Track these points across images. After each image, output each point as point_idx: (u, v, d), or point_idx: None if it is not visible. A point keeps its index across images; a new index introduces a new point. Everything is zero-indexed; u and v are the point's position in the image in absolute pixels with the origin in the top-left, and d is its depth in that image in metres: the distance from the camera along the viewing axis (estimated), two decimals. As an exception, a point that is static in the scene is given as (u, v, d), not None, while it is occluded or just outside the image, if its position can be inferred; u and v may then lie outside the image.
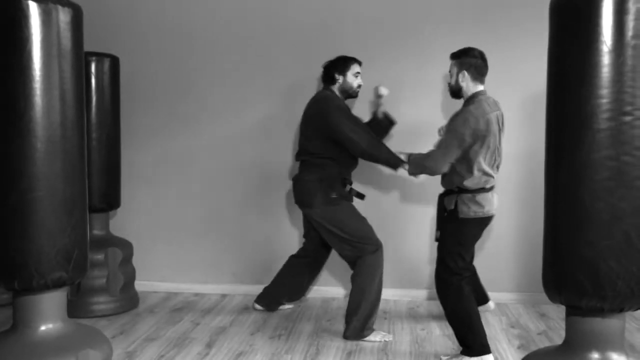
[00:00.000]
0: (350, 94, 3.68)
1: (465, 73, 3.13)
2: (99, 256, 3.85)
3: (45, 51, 2.14)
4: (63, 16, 2.20)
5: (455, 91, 3.22)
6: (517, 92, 4.18)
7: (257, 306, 3.98)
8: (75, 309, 3.76)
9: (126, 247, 4.06)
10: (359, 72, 3.68)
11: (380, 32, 4.28)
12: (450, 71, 3.23)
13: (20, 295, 2.23)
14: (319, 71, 3.97)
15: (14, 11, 2.10)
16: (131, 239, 4.33)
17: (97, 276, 3.84)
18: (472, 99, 3.11)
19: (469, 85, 3.14)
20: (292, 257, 3.95)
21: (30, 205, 2.12)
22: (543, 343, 3.38)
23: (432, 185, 4.31)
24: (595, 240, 1.89)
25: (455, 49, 4.27)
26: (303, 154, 3.66)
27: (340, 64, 3.65)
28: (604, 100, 1.86)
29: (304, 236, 3.91)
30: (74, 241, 2.23)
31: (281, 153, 4.40)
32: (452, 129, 3.06)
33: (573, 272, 1.93)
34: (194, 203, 4.52)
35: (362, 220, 3.56)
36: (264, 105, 4.41)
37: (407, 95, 4.26)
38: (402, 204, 4.34)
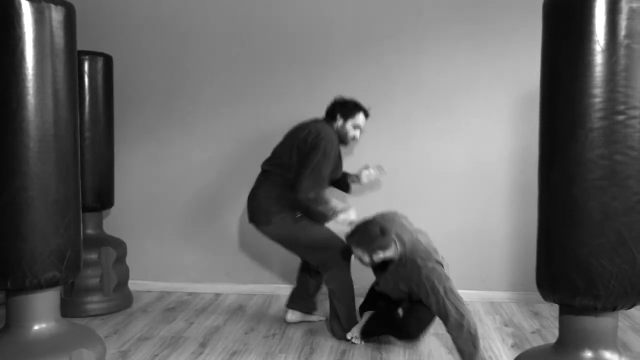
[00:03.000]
0: (341, 140, 3.50)
1: (380, 253, 3.02)
2: (93, 255, 3.84)
3: (38, 50, 2.14)
4: (56, 15, 2.20)
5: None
6: (510, 90, 4.19)
7: (291, 315, 3.71)
8: (69, 308, 3.75)
9: (120, 247, 4.05)
10: (359, 125, 3.51)
11: (373, 31, 4.28)
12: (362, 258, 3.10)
13: (14, 295, 2.22)
14: (311, 70, 3.98)
15: (7, 9, 2.09)
16: (125, 238, 4.32)
17: (90, 275, 3.83)
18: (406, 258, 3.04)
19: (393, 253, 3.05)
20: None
21: (23, 205, 2.11)
22: (537, 342, 3.39)
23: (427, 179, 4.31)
24: (588, 239, 1.90)
25: (448, 47, 4.29)
26: (272, 164, 3.48)
27: (347, 108, 3.50)
28: (597, 100, 1.87)
29: None
30: (67, 240, 2.23)
31: (275, 152, 4.40)
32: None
33: (566, 271, 1.94)
34: (187, 202, 4.51)
35: (327, 229, 3.47)
36: (257, 105, 4.41)
37: (399, 94, 4.27)
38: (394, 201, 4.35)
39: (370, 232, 2.98)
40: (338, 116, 3.49)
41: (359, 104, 3.54)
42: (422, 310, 3.08)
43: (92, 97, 3.87)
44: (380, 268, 3.19)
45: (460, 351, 2.84)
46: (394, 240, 2.99)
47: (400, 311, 3.23)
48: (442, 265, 3.05)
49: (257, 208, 3.43)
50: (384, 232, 2.96)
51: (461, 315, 2.82)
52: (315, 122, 3.49)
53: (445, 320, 2.85)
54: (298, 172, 3.30)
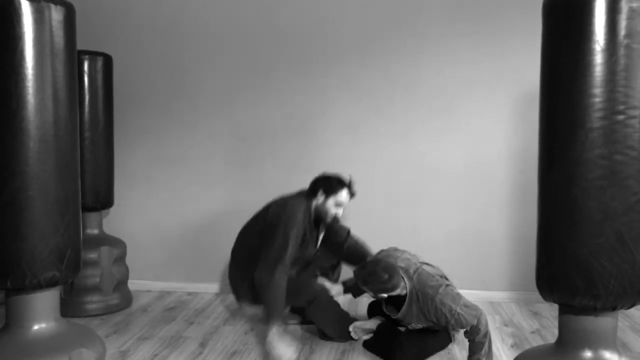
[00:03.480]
0: (321, 217, 3.35)
1: (391, 292, 2.97)
2: (93, 255, 3.84)
3: (37, 50, 2.13)
4: (56, 14, 2.19)
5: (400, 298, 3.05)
6: (510, 90, 4.19)
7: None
8: (69, 308, 3.75)
9: (119, 246, 4.05)
10: (342, 203, 3.33)
11: (373, 30, 4.28)
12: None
13: (13, 295, 2.22)
14: (311, 70, 3.97)
15: (6, 9, 2.09)
16: (124, 238, 4.32)
17: (90, 275, 3.83)
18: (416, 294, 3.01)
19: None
20: None
21: (22, 205, 2.11)
22: (536, 341, 3.40)
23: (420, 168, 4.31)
24: (587, 239, 1.90)
25: (447, 47, 4.29)
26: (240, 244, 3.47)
27: (329, 184, 3.33)
28: (597, 100, 1.87)
29: None
30: (67, 240, 2.23)
31: (275, 153, 4.40)
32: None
33: (566, 271, 1.94)
34: (187, 202, 4.51)
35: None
36: (256, 105, 4.41)
37: (399, 93, 4.27)
38: (393, 200, 4.35)
39: (378, 277, 2.91)
40: (319, 192, 3.33)
41: (343, 180, 3.37)
42: (422, 341, 3.11)
43: (91, 97, 3.87)
44: (391, 301, 3.14)
45: (470, 351, 2.91)
46: (402, 279, 2.98)
47: (402, 338, 3.14)
48: (451, 285, 3.06)
49: (232, 288, 3.49)
50: (391, 274, 2.92)
51: (479, 322, 2.87)
52: (288, 197, 3.38)
53: (465, 328, 2.90)
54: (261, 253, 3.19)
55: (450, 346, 3.27)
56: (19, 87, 2.10)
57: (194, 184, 4.50)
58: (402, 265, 3.06)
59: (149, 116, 4.50)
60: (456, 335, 3.32)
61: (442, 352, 3.20)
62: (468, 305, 2.91)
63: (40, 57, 2.14)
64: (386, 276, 2.91)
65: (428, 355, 3.14)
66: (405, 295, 3.00)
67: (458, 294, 2.97)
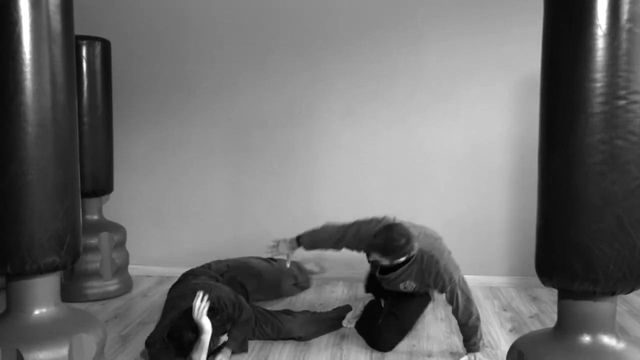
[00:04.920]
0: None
1: (402, 258, 2.93)
2: (93, 241, 3.84)
3: (35, 34, 2.11)
4: (53, -2, 2.17)
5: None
6: (511, 75, 4.17)
7: None
8: (69, 293, 3.76)
9: (119, 232, 4.05)
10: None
11: (373, 14, 4.25)
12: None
13: (13, 280, 2.22)
14: (311, 56, 3.93)
15: (3, -7, 2.07)
16: (124, 223, 4.32)
17: (90, 261, 3.85)
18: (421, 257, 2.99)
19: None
20: None
21: (21, 190, 2.10)
22: (535, 326, 3.41)
23: (419, 160, 4.31)
24: (587, 225, 1.90)
25: (448, 32, 4.27)
26: None
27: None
28: (598, 84, 1.85)
29: None
30: (66, 226, 2.22)
31: (274, 139, 4.39)
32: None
33: (565, 256, 1.94)
34: (186, 187, 4.51)
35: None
36: (256, 91, 4.39)
37: (399, 78, 4.25)
38: (394, 185, 4.35)
39: (396, 242, 2.85)
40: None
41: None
42: (399, 323, 3.13)
43: (90, 82, 3.85)
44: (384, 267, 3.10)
45: (465, 335, 2.91)
46: (415, 244, 2.95)
47: (381, 325, 3.14)
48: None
49: None
50: (408, 237, 2.87)
51: (471, 303, 2.88)
52: None
53: (456, 307, 2.89)
54: None
55: (449, 334, 3.28)
56: (17, 72, 2.09)
57: (193, 169, 4.49)
58: (411, 230, 2.99)
59: (149, 101, 4.49)
60: (435, 295, 3.33)
61: (441, 339, 3.22)
62: (466, 283, 2.92)
63: (38, 41, 2.12)
64: (404, 240, 2.86)
65: (408, 331, 3.17)
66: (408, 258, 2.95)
67: (458, 266, 2.98)
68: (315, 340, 3.18)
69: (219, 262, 3.55)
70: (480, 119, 4.22)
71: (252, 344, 3.09)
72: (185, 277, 3.34)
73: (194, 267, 3.52)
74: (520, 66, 4.13)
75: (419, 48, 4.23)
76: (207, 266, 3.49)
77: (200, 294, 2.73)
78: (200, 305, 2.69)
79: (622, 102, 1.85)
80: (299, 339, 3.15)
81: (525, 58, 4.04)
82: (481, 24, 4.17)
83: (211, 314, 2.73)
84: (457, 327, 3.35)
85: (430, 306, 3.39)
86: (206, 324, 2.68)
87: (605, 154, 1.87)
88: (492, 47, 4.18)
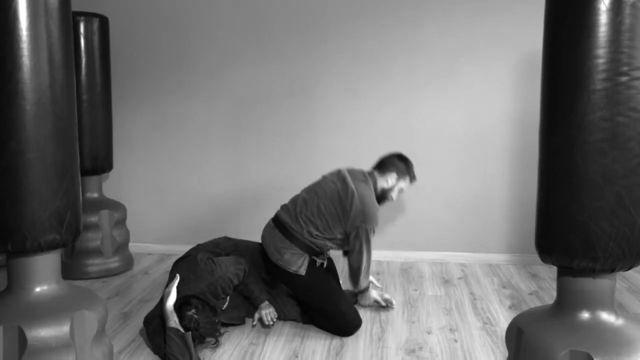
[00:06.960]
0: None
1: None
2: (93, 219, 3.85)
3: (31, 11, 2.09)
4: (49, -26, 2.14)
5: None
6: (512, 52, 4.14)
7: None
8: (70, 270, 3.78)
9: (120, 210, 4.06)
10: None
11: (375, -9, 4.21)
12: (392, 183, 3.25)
13: (14, 257, 2.23)
14: (311, 38, 3.88)
15: (-2, -32, 2.04)
16: (124, 201, 4.33)
17: (91, 238, 3.86)
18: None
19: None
20: None
21: (20, 169, 2.10)
22: (534, 303, 3.43)
23: (421, 150, 4.30)
24: (587, 202, 1.89)
25: (449, 9, 4.22)
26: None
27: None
28: (601, 61, 1.83)
29: None
30: (66, 204, 2.22)
31: (275, 118, 4.37)
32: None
33: (565, 233, 1.94)
34: (186, 165, 4.51)
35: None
36: (256, 69, 4.36)
37: (399, 55, 4.22)
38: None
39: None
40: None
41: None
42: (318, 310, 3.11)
43: (88, 59, 3.82)
44: None
45: (353, 278, 3.21)
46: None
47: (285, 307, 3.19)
48: None
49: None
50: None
51: (364, 255, 3.12)
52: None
53: (352, 249, 3.12)
54: None
55: (449, 311, 3.30)
56: (14, 50, 2.07)
57: (193, 147, 4.48)
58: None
59: (148, 80, 4.46)
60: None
61: (440, 315, 3.24)
62: (371, 239, 3.14)
63: (34, 18, 2.10)
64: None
65: (317, 295, 3.09)
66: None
67: (378, 223, 3.19)
68: (313, 334, 3.20)
69: (228, 239, 3.47)
70: (481, 97, 4.19)
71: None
72: (189, 253, 3.29)
73: (194, 244, 3.49)
74: (521, 44, 4.10)
75: (419, 26, 4.20)
76: (215, 244, 3.41)
77: (176, 281, 2.80)
78: (169, 292, 2.72)
79: (624, 79, 1.83)
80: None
81: (527, 35, 4.01)
82: (482, 0, 4.12)
83: (184, 307, 2.71)
84: (455, 304, 3.38)
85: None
86: (167, 310, 2.66)
87: (607, 132, 1.85)
88: (493, 25, 4.14)
